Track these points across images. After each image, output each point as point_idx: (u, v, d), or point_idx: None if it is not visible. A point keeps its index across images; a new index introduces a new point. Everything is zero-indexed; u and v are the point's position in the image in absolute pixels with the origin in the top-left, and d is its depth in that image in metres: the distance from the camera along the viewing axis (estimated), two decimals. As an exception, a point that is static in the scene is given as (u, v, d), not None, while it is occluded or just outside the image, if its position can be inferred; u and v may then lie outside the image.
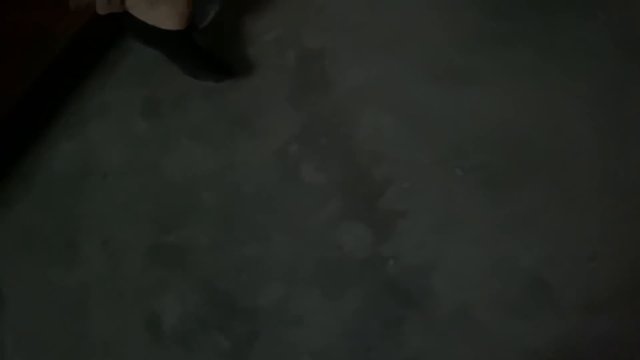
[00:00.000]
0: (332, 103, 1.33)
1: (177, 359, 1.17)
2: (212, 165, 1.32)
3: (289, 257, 1.23)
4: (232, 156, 1.32)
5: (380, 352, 1.14)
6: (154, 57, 1.36)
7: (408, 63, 1.33)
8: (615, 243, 1.17)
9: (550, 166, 1.24)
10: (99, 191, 1.32)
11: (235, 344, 1.17)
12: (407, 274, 1.19)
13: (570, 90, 1.29)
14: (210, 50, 1.37)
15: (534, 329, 1.13)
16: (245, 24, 1.42)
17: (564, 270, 1.16)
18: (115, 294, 1.22)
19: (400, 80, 1.32)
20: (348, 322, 1.17)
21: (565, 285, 1.15)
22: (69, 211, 1.30)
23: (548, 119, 1.27)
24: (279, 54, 1.39)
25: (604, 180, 1.21)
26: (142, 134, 1.36)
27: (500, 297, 1.15)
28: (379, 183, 1.26)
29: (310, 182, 1.28)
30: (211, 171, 1.31)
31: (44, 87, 1.33)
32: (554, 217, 1.20)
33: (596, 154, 1.23)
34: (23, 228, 1.30)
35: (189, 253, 1.25)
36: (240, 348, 1.17)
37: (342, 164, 1.28)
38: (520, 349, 1.12)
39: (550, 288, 1.15)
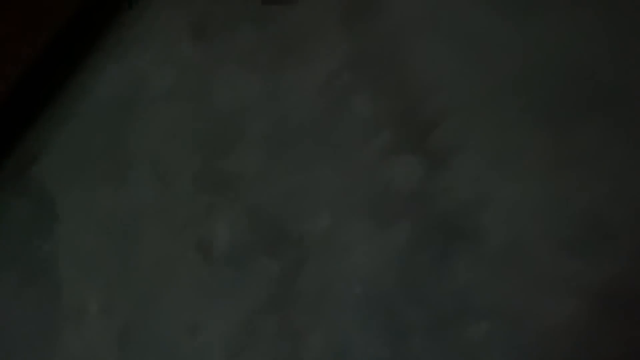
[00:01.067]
0: (385, 30, 1.27)
1: (227, 281, 1.18)
2: (260, 93, 1.29)
3: (337, 188, 1.21)
4: (280, 84, 1.29)
5: (428, 283, 1.14)
6: (201, -22, 1.31)
7: (468, -11, 1.26)
8: (680, 183, 1.12)
9: (615, 103, 1.17)
10: (145, 116, 1.31)
11: (284, 268, 1.18)
12: (459, 208, 1.16)
13: (643, 22, 1.20)
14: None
15: (589, 267, 1.10)
16: (295, -55, 1.35)
17: (624, 210, 1.12)
18: (164, 217, 1.23)
19: (459, 7, 1.25)
20: (396, 253, 1.16)
21: (624, 225, 1.11)
22: (116, 135, 1.30)
23: (616, 54, 1.20)
24: (330, -22, 1.32)
25: (673, 118, 1.15)
26: (188, 59, 1.33)
27: (555, 234, 1.12)
28: (433, 116, 1.22)
29: (360, 112, 1.24)
30: (258, 99, 1.29)
31: (84, 15, 1.31)
32: (615, 155, 1.15)
33: (666, 90, 1.16)
34: (72, 151, 1.31)
35: (237, 180, 1.24)
36: (289, 272, 1.17)
37: (394, 95, 1.24)
38: (572, 286, 1.10)
39: (609, 227, 1.11)
